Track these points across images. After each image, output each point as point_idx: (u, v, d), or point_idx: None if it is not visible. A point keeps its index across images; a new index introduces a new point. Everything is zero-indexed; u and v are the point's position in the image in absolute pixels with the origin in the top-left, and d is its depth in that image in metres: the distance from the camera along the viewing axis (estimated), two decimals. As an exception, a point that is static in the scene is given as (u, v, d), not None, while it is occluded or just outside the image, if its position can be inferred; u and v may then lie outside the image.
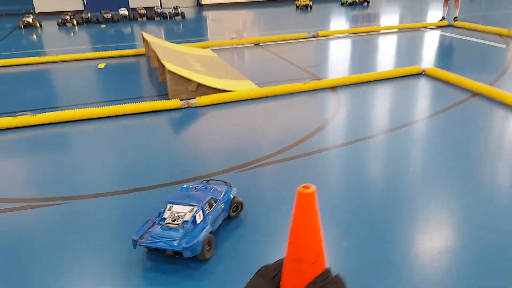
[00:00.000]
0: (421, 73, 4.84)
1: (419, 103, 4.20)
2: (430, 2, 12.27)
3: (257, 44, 7.09)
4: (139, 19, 10.16)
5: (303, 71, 5.34)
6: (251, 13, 11.66)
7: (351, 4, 11.76)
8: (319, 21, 9.96)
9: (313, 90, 4.45)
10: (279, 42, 7.17)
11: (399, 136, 3.37)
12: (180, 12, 10.41)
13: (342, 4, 11.94)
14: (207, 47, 6.82)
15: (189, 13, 11.62)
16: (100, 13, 10.02)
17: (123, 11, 10.17)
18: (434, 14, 9.44)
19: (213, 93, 4.29)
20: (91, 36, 8.62)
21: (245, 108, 4.17)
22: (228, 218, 2.26)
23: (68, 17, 9.53)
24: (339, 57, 6.38)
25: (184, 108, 4.12)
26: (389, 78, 4.73)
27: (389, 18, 10.07)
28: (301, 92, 4.42)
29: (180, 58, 5.36)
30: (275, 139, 3.36)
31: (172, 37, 8.18)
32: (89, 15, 9.71)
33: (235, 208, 2.29)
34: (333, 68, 5.63)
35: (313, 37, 7.44)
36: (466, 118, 3.65)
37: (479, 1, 11.99)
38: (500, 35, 6.82)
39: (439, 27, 7.82)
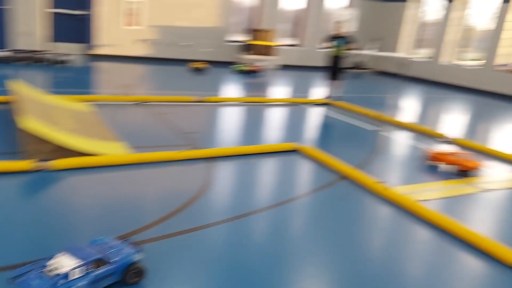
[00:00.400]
0: (295, 150, 4.98)
1: (291, 181, 4.24)
2: (318, 80, 13.34)
3: (142, 103, 6.82)
4: (21, 63, 9.29)
5: (183, 138, 5.17)
6: (143, 69, 11.46)
7: (245, 72, 12.23)
8: (210, 86, 10.09)
9: (188, 159, 4.29)
10: (164, 103, 6.99)
11: (269, 215, 3.29)
12: (67, 59, 9.77)
13: (236, 71, 12.36)
14: (88, 101, 6.35)
15: (78, 62, 11.00)
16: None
17: (2, 53, 9.24)
18: (321, 91, 10.21)
19: (76, 156, 3.88)
20: None
21: (111, 175, 3.80)
22: (125, 284, 2.19)
23: None
24: (222, 126, 6.41)
25: (37, 171, 3.61)
26: (265, 153, 4.79)
27: (279, 90, 10.64)
28: (176, 161, 4.21)
29: (49, 112, 4.84)
30: (131, 215, 3.05)
31: (53, 86, 7.54)
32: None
33: (133, 274, 2.20)
34: (214, 137, 5.57)
35: (200, 101, 7.42)
36: (335, 200, 3.74)
37: (361, 82, 13.36)
38: (375, 118, 7.49)
39: (322, 104, 8.38)
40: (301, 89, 11.22)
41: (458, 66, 14.28)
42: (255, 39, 13.93)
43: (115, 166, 3.93)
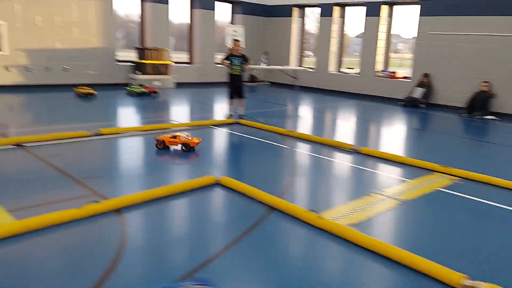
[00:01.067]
0: (216, 183, 4.51)
1: (218, 226, 3.73)
2: (215, 96, 13.00)
3: (19, 145, 5.72)
4: None
5: (81, 186, 4.35)
6: (17, 100, 9.93)
7: (139, 94, 11.37)
8: (104, 114, 9.09)
9: (93, 215, 3.54)
10: (51, 142, 5.96)
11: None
12: None
13: (129, 94, 11.44)
14: None
15: None
16: None
17: None
18: (222, 110, 9.85)
19: None
20: None
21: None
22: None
23: None
24: (125, 164, 5.61)
25: None
26: (183, 192, 4.23)
27: (178, 112, 10.02)
28: (77, 220, 3.44)
29: None
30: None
31: None
32: None
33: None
34: (118, 180, 4.78)
35: (95, 135, 6.52)
36: (269, 240, 3.34)
37: (258, 96, 13.32)
38: (281, 134, 7.34)
39: (227, 124, 8.02)
40: (201, 109, 10.74)
41: (341, 74, 15.19)
42: (146, 57, 13.12)
43: (-5, 239, 3.05)
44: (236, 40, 8.25)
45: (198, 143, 5.91)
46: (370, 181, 5.12)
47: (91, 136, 6.45)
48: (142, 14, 14.02)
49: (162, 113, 9.60)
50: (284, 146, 6.60)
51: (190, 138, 5.88)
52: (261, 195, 4.04)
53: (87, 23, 12.21)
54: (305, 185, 4.96)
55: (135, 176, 4.98)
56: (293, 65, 16.45)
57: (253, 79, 16.43)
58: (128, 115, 9.12)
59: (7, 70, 10.96)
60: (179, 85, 14.06)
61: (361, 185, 4.94)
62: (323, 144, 6.77)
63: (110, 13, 12.66)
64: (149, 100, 10.88)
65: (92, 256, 2.98)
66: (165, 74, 13.73)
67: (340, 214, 3.84)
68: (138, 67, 13.20)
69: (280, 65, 15.50)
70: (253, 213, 3.84)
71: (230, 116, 8.50)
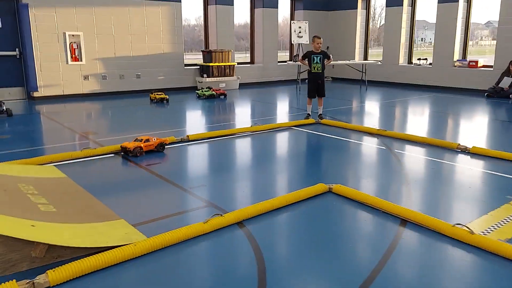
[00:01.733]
0: (329, 191, 4.23)
1: (354, 235, 3.44)
2: (282, 97, 12.75)
3: (117, 153, 5.76)
4: None
5: (191, 196, 4.23)
6: (98, 108, 10.20)
7: (208, 97, 11.37)
8: (181, 119, 9.13)
9: (216, 230, 3.37)
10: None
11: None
12: (4, 109, 8.35)
13: (199, 97, 11.46)
14: (49, 163, 5.20)
15: (17, 109, 9.54)
16: None
17: None
18: (293, 111, 9.56)
19: (74, 253, 2.85)
20: None
21: (131, 275, 2.80)
22: None
23: None
24: (221, 170, 5.44)
25: (25, 292, 2.54)
26: (297, 202, 3.98)
27: (253, 114, 9.86)
28: (200, 236, 3.28)
29: (12, 192, 3.71)
30: None
31: (-4, 145, 6.20)
32: None
33: None
34: (222, 189, 4.61)
35: (182, 141, 6.47)
36: (421, 259, 3.00)
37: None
38: (370, 134, 6.94)
39: (309, 125, 7.72)
40: (273, 109, 10.51)
41: (412, 66, 14.42)
42: (212, 60, 13.12)
43: (130, 259, 2.94)
44: (317, 37, 7.90)
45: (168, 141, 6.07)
46: (500, 186, 4.56)
47: (180, 141, 6.41)
48: (206, 17, 14.05)
49: (235, 117, 9.47)
50: (380, 147, 6.20)
51: (160, 138, 5.95)
52: (390, 206, 3.69)
53: (158, 30, 12.38)
54: (427, 192, 4.43)
55: (237, 183, 4.80)
56: (358, 58, 15.86)
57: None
58: (205, 119, 9.06)
59: (85, 79, 11.34)
60: (241, 85, 13.98)
61: (493, 191, 4.41)
62: (423, 143, 6.28)
63: (180, 19, 12.77)
64: (219, 103, 10.82)
65: (236, 273, 2.79)
66: (230, 75, 13.69)
67: (485, 227, 3.40)
68: (204, 70, 13.24)
69: (344, 60, 14.97)
70: (385, 226, 3.51)
71: (308, 115, 8.18)
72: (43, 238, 2.80)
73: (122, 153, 5.65)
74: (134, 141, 5.68)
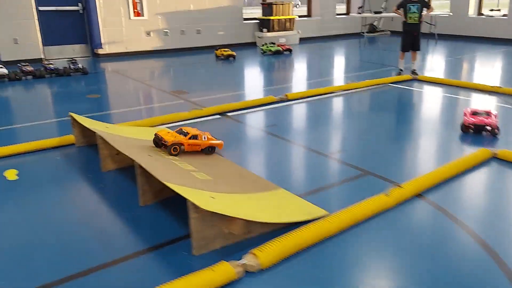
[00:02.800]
0: (492, 157, 3.78)
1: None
2: (350, 52, 12.04)
3: (222, 114, 5.41)
4: (24, 78, 7.54)
5: (337, 162, 3.86)
6: (167, 65, 9.82)
7: (274, 53, 10.79)
8: (263, 77, 8.65)
9: (398, 203, 3.01)
10: (245, 111, 5.59)
11: None
12: (81, 66, 8.07)
13: (264, 52, 10.90)
14: (159, 125, 4.90)
15: (87, 67, 9.26)
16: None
17: (0, 69, 7.41)
18: (371, 66, 8.94)
19: (265, 232, 2.57)
20: None
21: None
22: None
23: None
24: (362, 135, 4.86)
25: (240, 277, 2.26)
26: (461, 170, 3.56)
27: (329, 70, 9.27)
28: (379, 213, 2.92)
29: (159, 158, 3.42)
30: None
31: (86, 108, 5.94)
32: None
33: None
34: (371, 157, 4.17)
35: (281, 100, 6.07)
36: None
37: (390, 47, 12.14)
38: (483, 91, 6.34)
39: (405, 81, 7.15)
40: (350, 65, 9.86)
41: (484, 17, 13.30)
42: (272, 14, 12.41)
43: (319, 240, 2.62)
44: (417, -15, 7.16)
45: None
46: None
47: (279, 101, 6.01)
48: (264, -34, 13.19)
49: (317, 73, 8.93)
50: (507, 106, 5.62)
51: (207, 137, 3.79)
52: None
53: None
54: None
55: (381, 148, 4.35)
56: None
57: (373, 29, 15.10)
58: (287, 76, 8.53)
59: (148, 36, 10.91)
60: (300, 40, 13.28)
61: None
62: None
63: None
64: (289, 59, 10.24)
65: (460, 254, 2.45)
66: (290, 29, 12.98)
67: None
68: (264, 24, 12.57)
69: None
70: None
71: (401, 71, 7.59)
72: (244, 213, 2.50)
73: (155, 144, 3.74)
74: (177, 132, 3.68)
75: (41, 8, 9.35)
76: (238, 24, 12.41)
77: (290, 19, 12.86)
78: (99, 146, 3.61)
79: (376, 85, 6.91)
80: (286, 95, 6.12)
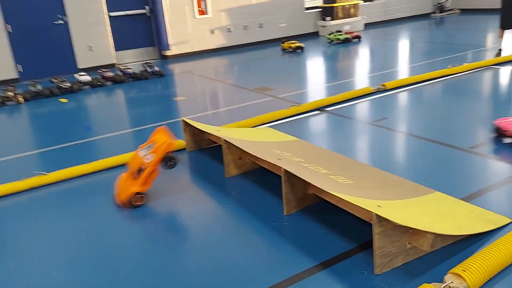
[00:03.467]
0: None
1: None
2: (420, 35, 11.33)
3: (320, 109, 5.10)
4: (106, 84, 7.59)
5: (487, 157, 3.44)
6: (236, 61, 9.61)
7: (343, 41, 10.32)
8: (332, 68, 8.26)
9: None
10: (342, 104, 5.24)
11: None
12: (157, 69, 8.03)
13: (331, 42, 10.46)
14: (261, 125, 4.66)
15: (162, 70, 9.24)
16: (52, 81, 7.22)
17: (84, 77, 7.48)
18: (455, 47, 8.26)
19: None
20: (60, 122, 5.80)
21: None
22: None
23: (11, 93, 6.61)
24: (475, 120, 4.46)
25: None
26: None
27: (412, 56, 8.66)
28: None
29: (290, 162, 3.16)
30: None
31: (178, 111, 5.84)
32: (39, 87, 6.87)
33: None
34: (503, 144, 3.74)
35: (379, 90, 5.66)
36: None
37: (466, 27, 11.30)
38: None
39: (509, 61, 6.50)
40: (433, 48, 9.17)
41: None
42: (335, 1, 11.90)
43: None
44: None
45: None
46: None
47: (376, 91, 5.62)
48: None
49: (398, 59, 8.39)
50: None
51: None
52: None
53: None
54: None
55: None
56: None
57: (441, 9, 14.17)
58: (367, 66, 8.05)
59: (212, 33, 10.78)
60: (366, 25, 12.67)
61: None
62: None
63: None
64: (360, 47, 9.73)
65: None
66: (355, 15, 12.41)
67: None
68: (327, 12, 12.08)
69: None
70: None
71: (500, 51, 6.92)
72: (430, 225, 2.18)
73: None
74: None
75: (111, 14, 9.43)
76: (299, 14, 12.01)
77: (354, 4, 12.29)
78: (224, 151, 3.40)
79: (478, 68, 6.32)
80: (384, 85, 5.70)
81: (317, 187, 2.74)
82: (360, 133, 4.44)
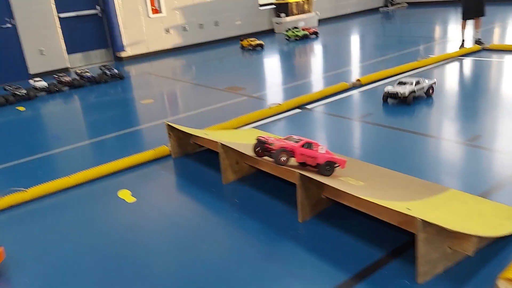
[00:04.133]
0: None
1: None
2: (376, 29, 11.55)
3: (300, 107, 4.97)
4: (63, 89, 7.00)
5: (490, 151, 3.44)
6: (196, 61, 9.28)
7: (302, 38, 10.29)
8: (298, 65, 8.18)
9: None
10: (321, 102, 5.14)
11: None
12: (117, 72, 7.53)
13: (289, 38, 10.38)
14: (243, 126, 4.45)
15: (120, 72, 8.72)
16: (5, 89, 6.52)
17: (40, 82, 6.84)
18: (418, 40, 8.49)
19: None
20: (23, 132, 5.24)
21: None
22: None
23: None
24: (465, 113, 4.50)
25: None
26: None
27: (375, 50, 8.76)
28: None
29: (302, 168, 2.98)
30: None
31: (150, 115, 5.49)
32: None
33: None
34: (500, 137, 3.80)
35: (354, 86, 5.63)
36: None
37: (420, 20, 11.68)
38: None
39: (474, 53, 6.69)
40: (394, 41, 9.28)
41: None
42: (287, -3, 11.87)
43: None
44: None
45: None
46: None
47: (352, 87, 5.58)
48: None
49: (364, 54, 8.46)
50: None
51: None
52: None
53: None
54: None
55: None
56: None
57: (389, 2, 14.62)
58: (333, 61, 8.03)
59: (167, 33, 10.35)
60: (319, 22, 12.77)
61: None
62: None
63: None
64: (320, 42, 9.75)
65: None
66: (309, 11, 12.46)
67: None
68: (282, 8, 12.02)
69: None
70: None
71: (464, 42, 7.06)
72: (468, 226, 2.08)
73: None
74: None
75: (61, 15, 8.75)
76: (254, 11, 11.86)
77: (307, 0, 12.33)
78: (221, 156, 3.16)
79: (445, 59, 6.48)
80: (359, 80, 5.68)
81: (333, 190, 2.61)
82: (349, 130, 4.35)
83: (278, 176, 3.00)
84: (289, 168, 2.74)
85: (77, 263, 2.48)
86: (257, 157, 2.98)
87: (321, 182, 2.57)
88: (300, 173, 2.55)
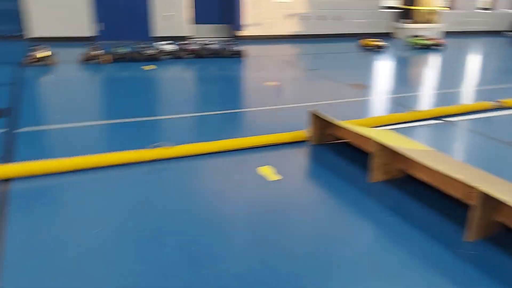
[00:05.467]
0: None
1: None
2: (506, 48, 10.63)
3: (441, 118, 4.61)
4: (189, 56, 7.24)
5: None
6: (314, 52, 9.16)
7: (428, 47, 9.69)
8: (425, 73, 7.70)
9: None
10: (463, 117, 4.74)
11: None
12: (239, 50, 7.63)
13: (414, 45, 9.84)
14: (379, 126, 4.23)
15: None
16: (135, 47, 6.91)
17: (170, 46, 7.15)
18: None
19: None
20: (163, 90, 5.46)
21: None
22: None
23: (96, 53, 6.33)
24: None
25: None
26: None
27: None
28: None
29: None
30: None
31: (270, 98, 5.46)
32: (123, 49, 6.55)
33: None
34: None
35: (496, 108, 5.13)
36: None
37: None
38: None
39: None
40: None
41: None
42: (414, 3, 11.28)
43: None
44: None
45: None
46: None
47: (494, 108, 5.09)
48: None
49: (496, 73, 7.78)
50: None
51: None
52: None
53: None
54: None
55: None
56: None
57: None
58: (465, 77, 7.44)
59: (288, 19, 10.32)
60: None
61: None
62: None
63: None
64: (447, 54, 9.13)
65: None
66: (435, 22, 11.76)
67: None
68: (407, 14, 11.47)
69: None
70: None
71: None
72: None
73: None
74: None
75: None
76: (374, 12, 11.46)
77: (435, 11, 11.65)
78: (376, 153, 2.98)
79: None
80: (499, 101, 5.17)
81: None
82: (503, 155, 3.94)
83: (433, 185, 2.77)
84: (465, 181, 2.48)
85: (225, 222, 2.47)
86: None
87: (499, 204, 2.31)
88: (481, 190, 2.30)
